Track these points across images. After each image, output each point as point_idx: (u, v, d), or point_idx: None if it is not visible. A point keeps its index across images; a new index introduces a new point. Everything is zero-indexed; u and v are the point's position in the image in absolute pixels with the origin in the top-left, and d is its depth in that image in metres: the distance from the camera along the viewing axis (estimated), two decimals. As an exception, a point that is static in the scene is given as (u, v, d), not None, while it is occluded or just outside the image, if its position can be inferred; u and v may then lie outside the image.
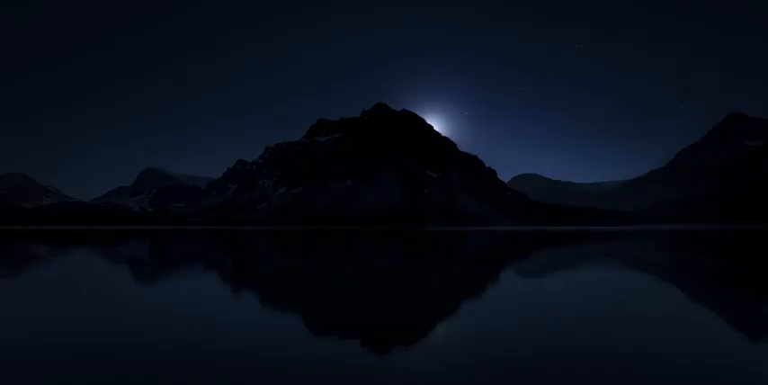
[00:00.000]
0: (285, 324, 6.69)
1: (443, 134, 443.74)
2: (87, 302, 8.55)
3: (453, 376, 4.23)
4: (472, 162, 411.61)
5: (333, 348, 5.44)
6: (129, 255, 22.79)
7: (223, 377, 4.24)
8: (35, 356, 4.94)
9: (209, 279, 12.95)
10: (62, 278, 12.90)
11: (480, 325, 6.51)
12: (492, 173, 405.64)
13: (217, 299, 9.18)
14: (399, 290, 10.15)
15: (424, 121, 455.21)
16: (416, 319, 6.87)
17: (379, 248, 28.91)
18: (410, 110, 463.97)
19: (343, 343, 5.59)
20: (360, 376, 4.27)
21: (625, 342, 5.40)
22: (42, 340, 5.65)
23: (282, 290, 10.20)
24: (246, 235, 63.20)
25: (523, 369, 4.44)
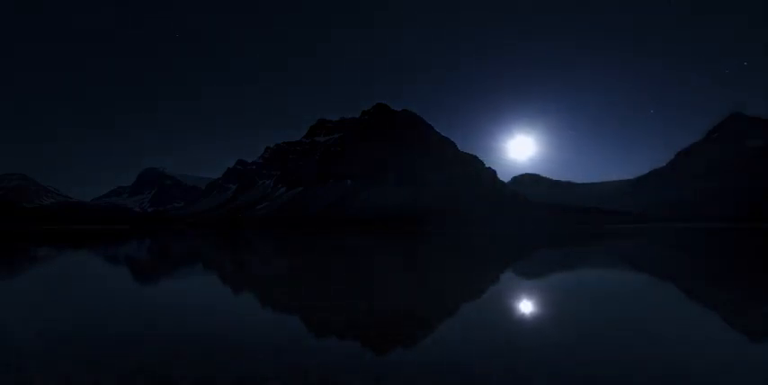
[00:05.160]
0: (286, 320, 6.70)
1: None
2: (90, 300, 8.55)
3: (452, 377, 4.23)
4: (472, 162, 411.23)
5: (332, 346, 5.66)
6: (128, 255, 22.78)
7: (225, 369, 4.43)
8: (40, 347, 5.33)
9: (208, 277, 12.95)
10: (66, 277, 12.89)
11: (482, 326, 6.50)
12: (492, 172, 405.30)
13: (216, 296, 9.18)
14: (401, 291, 10.14)
15: (423, 121, 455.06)
16: (416, 320, 6.87)
17: (383, 249, 28.87)
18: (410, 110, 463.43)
19: (343, 343, 5.61)
20: (359, 376, 4.24)
21: (629, 343, 5.43)
22: (47, 334, 6.06)
23: (281, 290, 10.19)
24: (244, 235, 63.15)
25: (522, 370, 4.41)
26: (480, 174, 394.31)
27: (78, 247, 30.17)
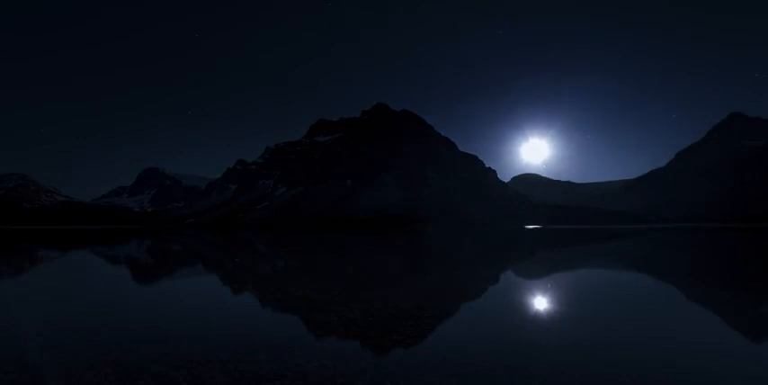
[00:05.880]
0: (286, 320, 6.71)
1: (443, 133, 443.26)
2: (90, 300, 8.55)
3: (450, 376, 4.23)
4: (472, 162, 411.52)
5: (331, 344, 5.71)
6: (128, 256, 22.78)
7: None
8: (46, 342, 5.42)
9: (207, 277, 12.95)
10: (66, 278, 12.89)
11: (483, 326, 6.50)
12: (492, 172, 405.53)
13: (216, 296, 9.18)
14: (401, 291, 10.13)
15: (424, 122, 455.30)
16: (416, 320, 6.86)
17: (386, 250, 28.85)
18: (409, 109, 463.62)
19: (343, 343, 5.63)
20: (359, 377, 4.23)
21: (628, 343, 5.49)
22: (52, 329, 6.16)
23: (281, 290, 10.18)
24: (244, 235, 63.14)
25: (520, 369, 4.42)
26: (480, 173, 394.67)
27: (78, 247, 30.17)
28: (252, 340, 5.55)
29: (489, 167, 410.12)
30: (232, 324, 6.55)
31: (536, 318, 6.78)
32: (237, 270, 15.56)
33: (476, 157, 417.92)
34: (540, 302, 8.27)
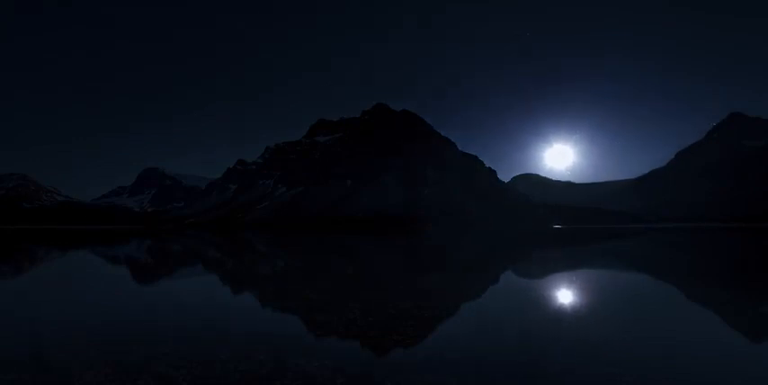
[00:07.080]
0: (286, 320, 6.71)
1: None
2: (90, 300, 8.55)
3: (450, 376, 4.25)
4: (472, 162, 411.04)
5: (330, 342, 5.74)
6: (128, 256, 22.78)
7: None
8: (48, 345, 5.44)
9: (207, 277, 12.94)
10: (66, 278, 12.89)
11: (482, 326, 6.50)
12: (492, 173, 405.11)
13: (216, 296, 9.17)
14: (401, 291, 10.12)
15: (423, 122, 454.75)
16: (416, 320, 6.86)
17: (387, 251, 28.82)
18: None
19: (343, 343, 5.66)
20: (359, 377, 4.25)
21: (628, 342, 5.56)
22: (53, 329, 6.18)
23: (281, 290, 10.18)
24: (244, 235, 63.09)
25: (522, 369, 4.45)
26: (480, 173, 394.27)
27: (78, 248, 30.16)
28: (252, 340, 5.54)
29: (489, 167, 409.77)
30: (232, 324, 6.54)
31: (536, 318, 6.78)
32: (237, 270, 15.55)
33: (476, 157, 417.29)
34: (540, 302, 8.26)
